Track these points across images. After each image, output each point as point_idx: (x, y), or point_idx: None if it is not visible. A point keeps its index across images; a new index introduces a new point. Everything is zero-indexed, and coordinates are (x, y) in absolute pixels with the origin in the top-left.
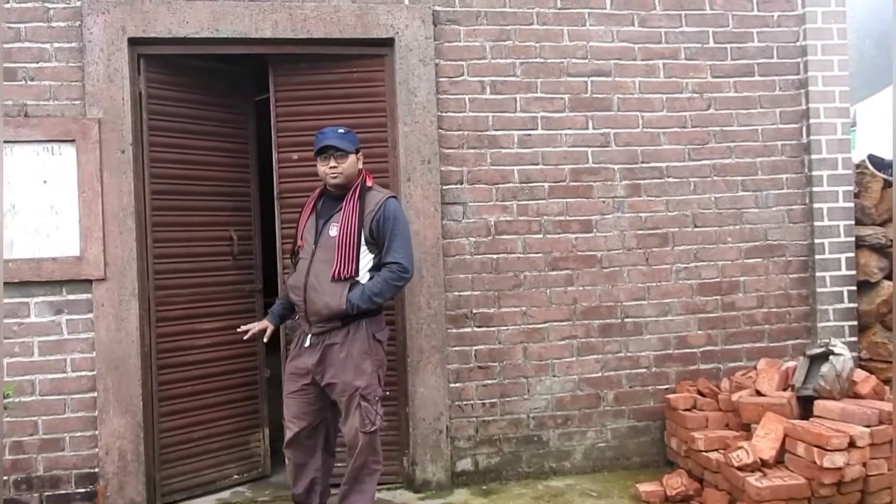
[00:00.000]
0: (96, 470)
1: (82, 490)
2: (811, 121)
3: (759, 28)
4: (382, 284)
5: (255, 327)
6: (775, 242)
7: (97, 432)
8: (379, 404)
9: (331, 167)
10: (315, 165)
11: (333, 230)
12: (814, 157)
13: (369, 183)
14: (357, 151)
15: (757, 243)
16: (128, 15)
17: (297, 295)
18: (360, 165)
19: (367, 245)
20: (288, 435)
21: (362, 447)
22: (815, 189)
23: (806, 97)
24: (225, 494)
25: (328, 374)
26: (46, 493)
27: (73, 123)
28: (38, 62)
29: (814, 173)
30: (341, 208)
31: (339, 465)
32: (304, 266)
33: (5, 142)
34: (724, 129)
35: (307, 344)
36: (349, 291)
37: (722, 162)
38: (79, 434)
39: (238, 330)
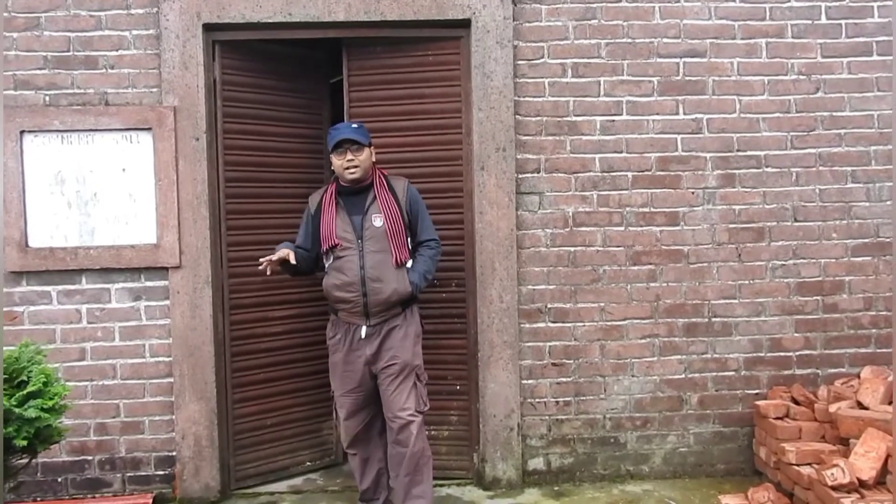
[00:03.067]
0: (174, 454)
1: (161, 472)
2: None
3: (880, 1)
4: (430, 262)
5: (273, 257)
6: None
7: (174, 417)
8: (426, 389)
9: (348, 160)
10: (387, 152)
11: (378, 221)
12: None
13: (385, 173)
14: (370, 145)
15: (866, 240)
16: (203, 1)
17: (352, 290)
18: (374, 159)
19: (406, 230)
20: (348, 434)
21: (418, 431)
22: None
23: None
24: (297, 481)
25: (386, 357)
26: (129, 474)
27: (150, 111)
28: (117, 50)
29: None
30: (374, 199)
31: None
32: (355, 262)
33: (87, 130)
34: (834, 114)
35: (363, 336)
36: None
37: (829, 150)
38: (157, 418)
39: (260, 263)
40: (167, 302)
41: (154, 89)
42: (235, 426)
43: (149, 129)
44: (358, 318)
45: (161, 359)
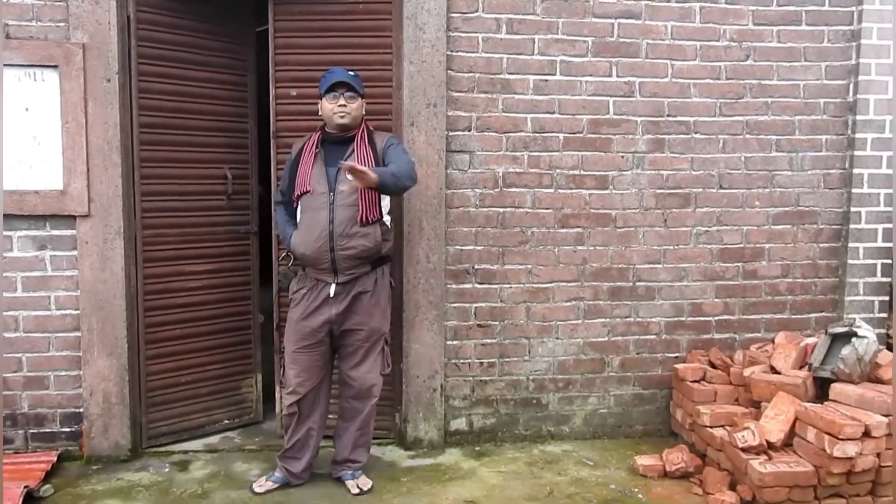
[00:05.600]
0: (81, 410)
1: (67, 429)
2: (860, 77)
3: None
4: (405, 167)
5: None
6: (807, 208)
7: (82, 372)
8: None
9: (340, 105)
10: (314, 104)
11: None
12: (859, 117)
13: (372, 127)
14: (363, 96)
15: (787, 208)
16: None
17: (319, 246)
18: (363, 112)
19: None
20: (299, 391)
21: (377, 392)
22: (856, 153)
23: (857, 51)
24: (214, 439)
25: (351, 321)
26: (31, 431)
27: (56, 47)
28: None
29: (857, 135)
30: (352, 150)
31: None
32: (324, 216)
33: None
34: (762, 82)
35: (331, 294)
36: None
37: (756, 119)
38: (63, 373)
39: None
40: (75, 252)
41: (61, 24)
42: (148, 383)
43: (55, 66)
44: (327, 276)
45: (68, 312)
